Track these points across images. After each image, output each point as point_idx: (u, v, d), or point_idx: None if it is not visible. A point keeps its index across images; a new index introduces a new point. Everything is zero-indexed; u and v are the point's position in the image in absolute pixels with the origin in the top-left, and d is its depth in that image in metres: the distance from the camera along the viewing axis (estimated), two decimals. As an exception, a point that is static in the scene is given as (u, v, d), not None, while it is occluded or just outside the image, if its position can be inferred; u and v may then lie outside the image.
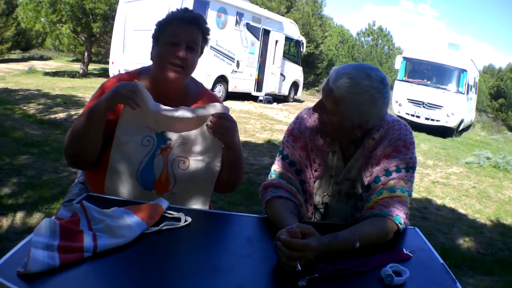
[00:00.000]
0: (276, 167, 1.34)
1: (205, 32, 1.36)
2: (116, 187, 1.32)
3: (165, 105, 1.29)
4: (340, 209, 1.36)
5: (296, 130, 1.35)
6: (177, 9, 1.37)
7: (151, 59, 1.38)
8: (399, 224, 1.15)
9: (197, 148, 1.33)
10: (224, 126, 1.26)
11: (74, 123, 1.32)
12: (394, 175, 1.22)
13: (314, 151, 1.33)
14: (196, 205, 1.38)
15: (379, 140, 1.26)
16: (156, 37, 1.35)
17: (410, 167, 1.24)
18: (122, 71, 1.43)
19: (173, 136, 1.32)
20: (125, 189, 1.32)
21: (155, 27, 1.37)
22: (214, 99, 1.45)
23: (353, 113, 1.20)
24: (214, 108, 1.28)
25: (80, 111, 1.48)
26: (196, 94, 1.44)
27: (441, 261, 1.07)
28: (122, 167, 1.30)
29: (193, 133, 1.33)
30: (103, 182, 1.32)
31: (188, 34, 1.31)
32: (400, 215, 1.16)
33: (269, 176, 1.35)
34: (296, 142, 1.34)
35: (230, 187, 1.47)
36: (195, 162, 1.34)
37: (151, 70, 1.39)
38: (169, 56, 1.30)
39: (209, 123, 1.26)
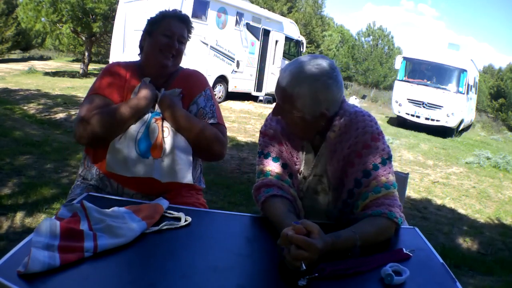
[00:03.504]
0: (262, 167, 1.32)
1: (190, 29, 1.60)
2: (117, 161, 1.43)
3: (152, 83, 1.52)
4: (310, 206, 1.33)
5: (269, 130, 1.35)
6: (168, 10, 1.58)
7: (141, 48, 1.57)
8: (395, 219, 1.14)
9: None
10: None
11: (107, 112, 1.42)
12: (373, 174, 1.20)
13: (289, 147, 1.32)
14: (183, 170, 1.47)
15: (341, 132, 1.24)
16: (149, 31, 1.54)
17: (385, 159, 1.22)
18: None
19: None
20: (125, 161, 1.43)
21: (146, 23, 1.56)
22: (191, 74, 1.63)
23: (311, 105, 1.18)
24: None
25: (80, 111, 1.49)
26: (176, 74, 1.61)
27: (441, 260, 1.07)
28: (122, 140, 1.43)
29: None
30: (104, 154, 1.44)
31: (179, 29, 1.54)
32: (393, 210, 1.15)
33: (256, 177, 1.33)
34: (272, 140, 1.33)
35: (207, 154, 1.55)
36: (172, 130, 1.47)
37: (142, 58, 1.59)
38: (164, 46, 1.50)
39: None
